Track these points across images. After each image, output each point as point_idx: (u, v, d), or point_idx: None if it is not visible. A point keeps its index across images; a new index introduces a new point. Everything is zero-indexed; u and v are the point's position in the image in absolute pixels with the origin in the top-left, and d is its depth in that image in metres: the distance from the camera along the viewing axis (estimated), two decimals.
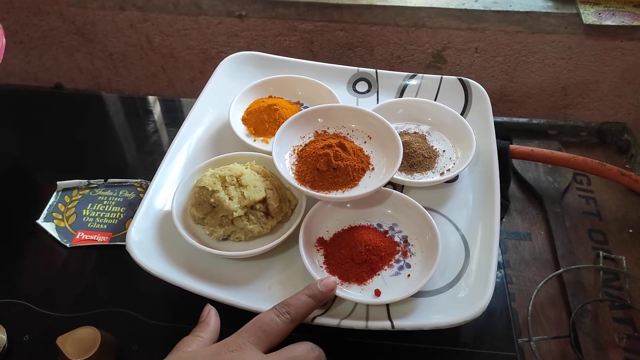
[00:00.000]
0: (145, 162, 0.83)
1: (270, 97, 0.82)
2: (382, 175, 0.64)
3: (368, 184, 0.63)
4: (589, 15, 1.03)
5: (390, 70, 0.84)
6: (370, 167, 0.65)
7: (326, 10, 1.09)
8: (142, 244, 0.58)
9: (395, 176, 0.67)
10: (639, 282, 0.82)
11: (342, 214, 0.66)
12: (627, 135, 1.04)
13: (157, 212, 0.63)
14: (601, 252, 0.86)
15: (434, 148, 0.73)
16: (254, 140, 0.75)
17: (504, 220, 0.93)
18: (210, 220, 0.61)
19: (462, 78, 0.80)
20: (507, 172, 0.96)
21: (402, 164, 0.70)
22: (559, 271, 0.82)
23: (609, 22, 1.02)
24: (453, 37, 1.12)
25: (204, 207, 0.61)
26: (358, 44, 1.15)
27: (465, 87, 0.80)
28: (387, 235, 0.63)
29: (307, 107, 0.81)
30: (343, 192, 0.62)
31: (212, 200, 0.60)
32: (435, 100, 0.81)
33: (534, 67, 1.15)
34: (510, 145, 0.95)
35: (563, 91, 1.19)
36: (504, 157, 0.94)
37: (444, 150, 0.72)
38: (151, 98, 0.96)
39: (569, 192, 0.97)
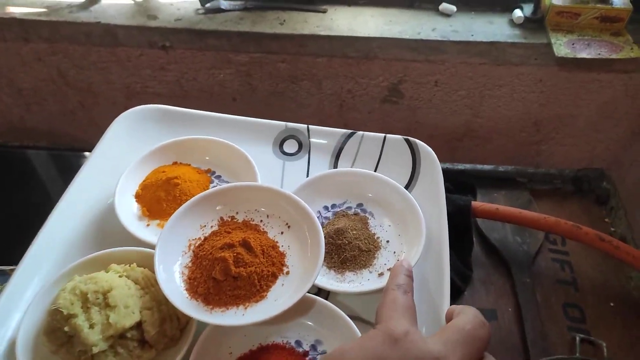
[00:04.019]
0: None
1: (175, 164, 0.67)
2: (297, 283, 0.50)
3: (280, 295, 0.49)
4: (561, 47, 0.90)
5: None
6: (285, 270, 0.51)
7: (263, 41, 0.94)
8: None
9: (318, 281, 0.53)
10: None
11: (250, 328, 0.52)
12: (606, 184, 0.92)
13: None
14: (578, 337, 0.73)
15: (375, 237, 0.58)
16: (147, 225, 0.60)
17: (465, 293, 0.79)
18: (65, 355, 0.46)
19: (409, 138, 0.66)
20: (469, 234, 0.82)
21: (332, 258, 0.56)
22: None
23: (584, 55, 0.89)
24: (409, 70, 0.98)
25: (59, 335, 0.46)
26: (303, 77, 1.01)
27: (413, 149, 0.66)
28: (307, 359, 0.49)
29: (219, 176, 0.67)
30: (245, 308, 0.48)
31: (67, 328, 0.46)
32: (378, 162, 0.67)
33: (501, 102, 1.02)
34: (473, 203, 0.81)
35: (535, 126, 1.06)
36: (466, 218, 0.81)
37: (387, 241, 0.58)
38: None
39: (540, 255, 0.84)
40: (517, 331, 0.74)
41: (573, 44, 0.91)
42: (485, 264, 0.82)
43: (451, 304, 0.79)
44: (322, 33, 0.93)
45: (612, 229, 0.89)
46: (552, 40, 0.91)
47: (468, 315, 0.40)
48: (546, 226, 0.78)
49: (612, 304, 0.78)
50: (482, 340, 0.39)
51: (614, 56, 0.88)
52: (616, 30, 0.93)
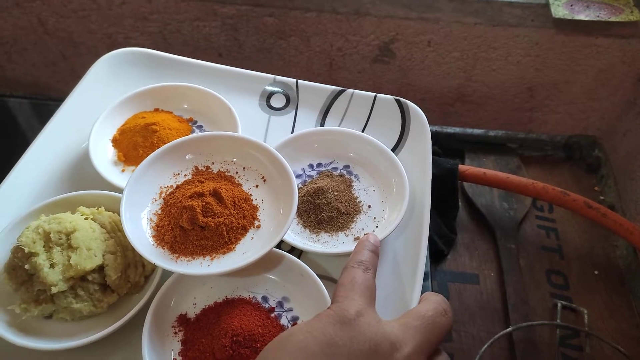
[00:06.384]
0: None
1: (157, 110, 0.65)
2: (267, 238, 0.48)
3: (249, 248, 0.47)
4: (560, 7, 0.87)
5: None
6: (256, 224, 0.49)
7: None
8: None
9: (289, 238, 0.51)
10: (602, 344, 0.68)
11: (218, 279, 0.50)
12: (597, 151, 0.90)
13: None
14: (559, 303, 0.72)
15: (357, 200, 0.55)
16: (122, 171, 0.58)
17: (448, 257, 0.78)
18: (25, 294, 0.45)
19: (400, 99, 0.64)
20: (454, 198, 0.80)
21: (308, 217, 0.54)
22: (508, 329, 0.68)
23: (582, 17, 0.85)
24: (402, 28, 0.94)
25: (19, 274, 0.45)
26: (291, 32, 0.97)
27: (403, 110, 0.63)
28: (272, 315, 0.47)
29: (201, 126, 0.64)
30: (212, 259, 0.46)
31: (27, 266, 0.44)
32: (367, 122, 0.65)
33: (496, 65, 0.99)
34: (460, 166, 0.79)
35: (529, 92, 1.03)
36: (452, 180, 0.79)
37: (369, 206, 0.55)
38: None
39: (526, 221, 0.82)
40: (498, 296, 0.73)
41: (572, 5, 0.87)
42: (470, 229, 0.81)
43: (434, 267, 0.78)
44: None
45: (602, 198, 0.87)
46: (550, 1, 0.88)
47: (431, 302, 0.39)
48: (534, 192, 0.76)
49: (596, 272, 0.76)
50: (442, 329, 0.37)
51: (613, 19, 0.85)
52: None
